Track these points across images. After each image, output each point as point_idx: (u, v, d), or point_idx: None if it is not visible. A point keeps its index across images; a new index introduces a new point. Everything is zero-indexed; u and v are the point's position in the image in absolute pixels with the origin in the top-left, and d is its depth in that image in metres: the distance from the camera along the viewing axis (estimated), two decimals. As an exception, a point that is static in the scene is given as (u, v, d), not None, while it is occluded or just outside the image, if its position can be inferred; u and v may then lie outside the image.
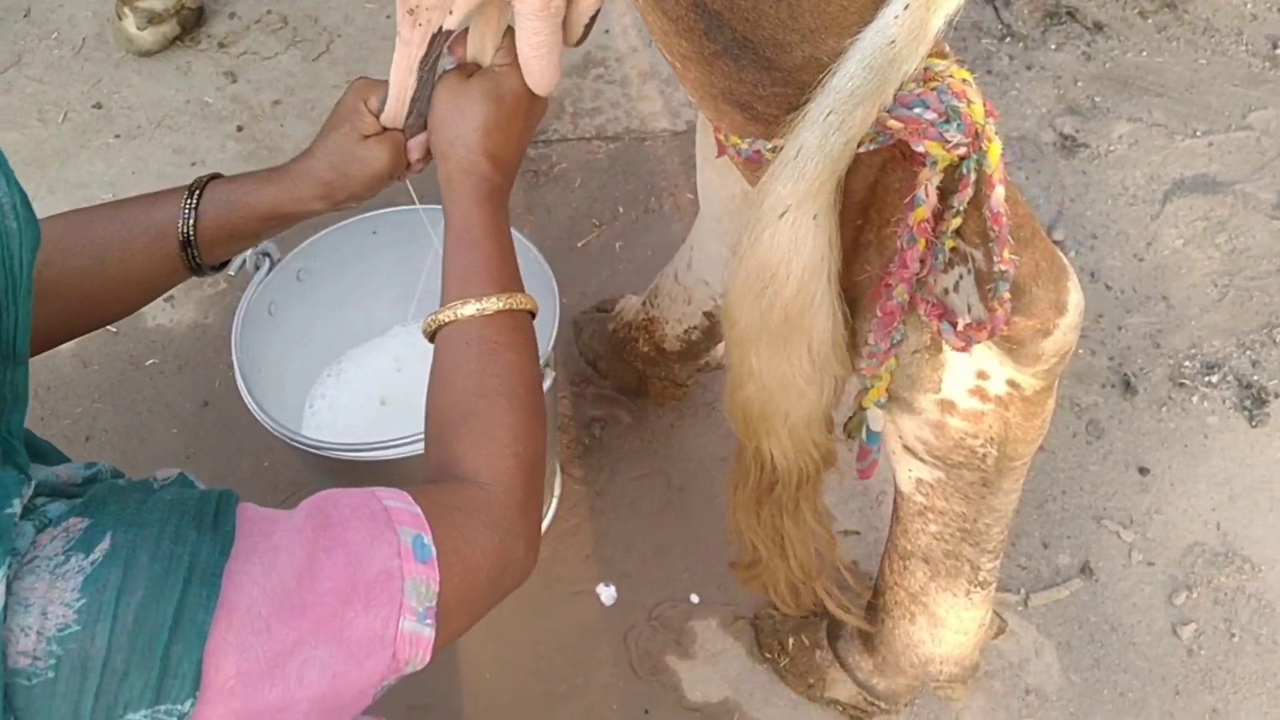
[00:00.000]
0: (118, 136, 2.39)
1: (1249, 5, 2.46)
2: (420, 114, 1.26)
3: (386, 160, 1.25)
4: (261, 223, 1.28)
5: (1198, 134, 2.27)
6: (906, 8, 0.85)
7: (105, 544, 0.81)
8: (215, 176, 1.28)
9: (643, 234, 2.21)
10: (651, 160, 2.32)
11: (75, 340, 2.08)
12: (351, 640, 0.88)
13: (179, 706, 0.80)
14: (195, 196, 1.25)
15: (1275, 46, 2.40)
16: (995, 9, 2.48)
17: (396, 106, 1.25)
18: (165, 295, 2.13)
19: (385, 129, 1.26)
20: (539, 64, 1.15)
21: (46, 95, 2.49)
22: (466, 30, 1.23)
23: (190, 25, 2.54)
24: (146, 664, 0.79)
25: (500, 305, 1.12)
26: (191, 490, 0.91)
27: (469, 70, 1.23)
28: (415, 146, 1.28)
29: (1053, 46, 2.43)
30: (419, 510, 0.96)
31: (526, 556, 1.06)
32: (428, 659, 0.95)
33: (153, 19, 2.46)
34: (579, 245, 2.20)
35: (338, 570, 0.88)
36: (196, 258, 1.27)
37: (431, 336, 1.16)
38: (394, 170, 1.27)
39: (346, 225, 1.75)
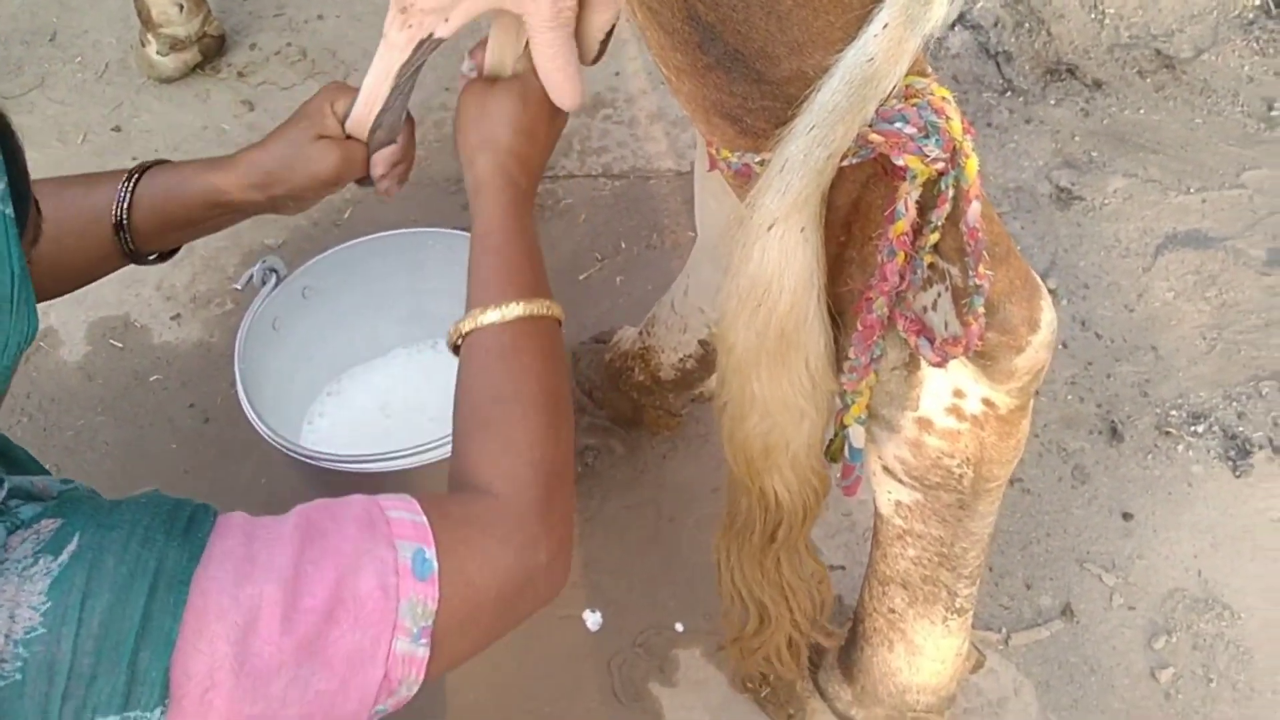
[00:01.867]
0: (134, 159, 2.42)
1: (1245, 68, 2.51)
2: (390, 128, 1.22)
3: (332, 164, 1.22)
4: (199, 210, 1.24)
5: (1191, 191, 2.31)
6: (885, 26, 0.89)
7: (73, 545, 0.81)
8: (161, 162, 1.25)
9: (643, 269, 2.25)
10: (655, 199, 2.36)
11: (82, 354, 2.14)
12: (337, 659, 0.86)
13: (148, 715, 0.80)
14: (133, 180, 1.22)
15: (1270, 108, 2.45)
16: (997, 64, 2.53)
17: (364, 112, 1.21)
18: (172, 313, 2.19)
19: (347, 136, 1.23)
20: (558, 76, 1.14)
21: (67, 117, 2.56)
22: (485, 41, 1.22)
23: (211, 54, 2.61)
24: (114, 669, 0.79)
25: (521, 311, 1.10)
26: (166, 498, 0.89)
27: (490, 81, 1.21)
28: (380, 161, 1.25)
29: (1052, 102, 2.49)
30: (424, 520, 0.93)
31: (552, 565, 1.00)
32: (421, 679, 0.92)
33: (175, 46, 2.52)
34: (580, 278, 2.24)
35: (325, 585, 0.87)
36: (130, 242, 1.23)
37: (455, 348, 1.13)
38: (339, 177, 1.23)
39: (354, 245, 1.78)
